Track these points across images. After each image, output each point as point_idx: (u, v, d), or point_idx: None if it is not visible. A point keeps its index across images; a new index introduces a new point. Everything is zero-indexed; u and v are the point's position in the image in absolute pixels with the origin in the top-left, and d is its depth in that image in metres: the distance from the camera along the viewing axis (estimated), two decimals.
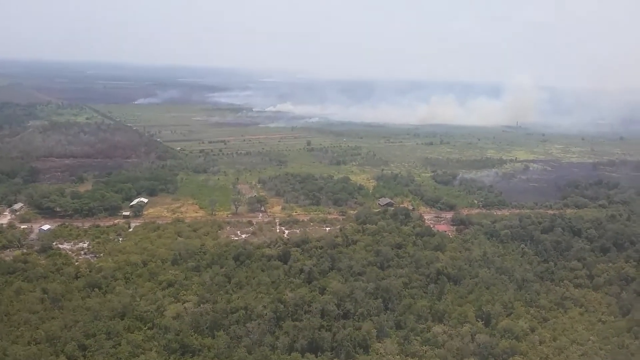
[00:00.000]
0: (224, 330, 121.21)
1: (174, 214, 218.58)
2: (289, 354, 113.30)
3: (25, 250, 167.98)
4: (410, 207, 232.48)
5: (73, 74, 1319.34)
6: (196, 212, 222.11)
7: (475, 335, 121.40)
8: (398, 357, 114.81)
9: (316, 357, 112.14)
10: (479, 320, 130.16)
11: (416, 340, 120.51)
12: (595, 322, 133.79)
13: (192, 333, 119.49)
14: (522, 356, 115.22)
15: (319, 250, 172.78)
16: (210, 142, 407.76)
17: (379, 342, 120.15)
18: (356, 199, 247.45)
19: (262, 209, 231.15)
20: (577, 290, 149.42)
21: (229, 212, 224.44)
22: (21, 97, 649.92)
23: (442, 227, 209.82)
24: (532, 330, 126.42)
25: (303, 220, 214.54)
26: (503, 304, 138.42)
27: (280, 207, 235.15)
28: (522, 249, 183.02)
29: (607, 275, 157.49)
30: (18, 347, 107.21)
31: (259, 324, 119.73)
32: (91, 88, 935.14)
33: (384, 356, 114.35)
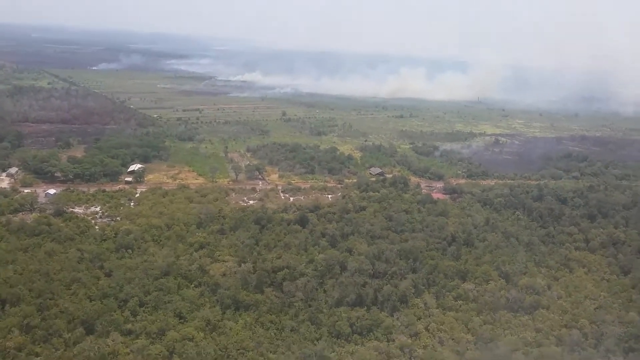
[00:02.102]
0: (272, 287, 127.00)
1: (174, 180, 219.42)
2: (335, 309, 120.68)
3: (35, 214, 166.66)
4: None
5: (17, 37, 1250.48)
6: (196, 179, 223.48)
7: (500, 291, 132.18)
8: (437, 310, 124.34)
9: (367, 311, 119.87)
10: (501, 278, 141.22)
11: (450, 295, 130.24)
12: (599, 280, 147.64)
13: (241, 290, 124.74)
14: (545, 309, 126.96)
15: (333, 215, 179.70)
16: (184, 111, 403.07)
17: (417, 297, 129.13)
18: (349, 168, 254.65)
19: (260, 177, 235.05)
20: (577, 252, 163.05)
21: (228, 180, 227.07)
22: None
23: (437, 195, 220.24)
24: (549, 287, 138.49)
25: (304, 188, 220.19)
26: (516, 263, 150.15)
27: (277, 175, 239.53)
28: (517, 215, 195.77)
29: (600, 239, 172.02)
30: (86, 304, 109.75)
31: (308, 280, 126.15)
32: (42, 52, 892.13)
33: (426, 310, 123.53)
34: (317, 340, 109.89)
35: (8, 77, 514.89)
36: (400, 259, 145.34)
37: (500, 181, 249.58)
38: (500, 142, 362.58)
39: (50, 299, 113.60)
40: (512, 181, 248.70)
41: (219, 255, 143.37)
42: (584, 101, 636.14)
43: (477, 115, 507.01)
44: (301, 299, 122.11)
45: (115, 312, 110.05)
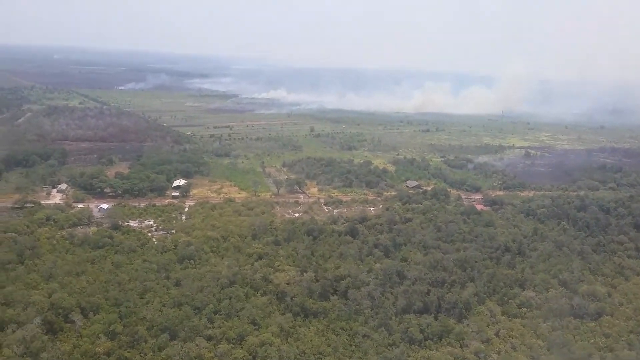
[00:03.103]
0: (336, 295, 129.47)
1: (218, 194, 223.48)
2: (402, 316, 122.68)
3: (96, 228, 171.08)
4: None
5: (40, 59, 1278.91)
6: (239, 193, 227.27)
7: (562, 298, 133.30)
8: (503, 317, 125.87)
9: (435, 318, 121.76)
10: (559, 286, 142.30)
11: (513, 303, 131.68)
12: None
13: (307, 298, 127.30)
14: (610, 316, 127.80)
15: (381, 226, 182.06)
16: (215, 128, 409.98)
17: (479, 305, 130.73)
18: (385, 181, 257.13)
19: (301, 190, 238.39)
20: (630, 260, 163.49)
21: (270, 193, 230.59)
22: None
23: (478, 207, 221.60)
24: (609, 294, 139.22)
25: (346, 201, 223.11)
26: (572, 271, 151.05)
27: (317, 189, 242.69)
28: (563, 225, 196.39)
29: None
30: (167, 311, 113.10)
31: (373, 288, 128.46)
32: (67, 73, 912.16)
33: (491, 317, 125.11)
34: (390, 346, 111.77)
35: (40, 97, 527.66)
36: (458, 268, 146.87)
37: (538, 192, 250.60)
38: (531, 154, 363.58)
39: (127, 307, 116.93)
40: (549, 192, 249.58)
41: (278, 265, 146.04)
42: (609, 113, 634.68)
43: (503, 128, 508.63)
44: (369, 307, 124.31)
45: (193, 319, 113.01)
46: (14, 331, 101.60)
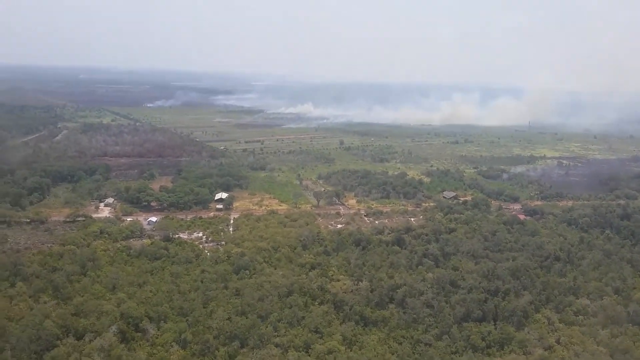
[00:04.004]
0: (393, 304, 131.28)
1: (260, 207, 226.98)
2: (462, 324, 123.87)
3: (148, 240, 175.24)
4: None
5: (67, 79, 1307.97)
6: (279, 205, 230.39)
7: (617, 305, 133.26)
8: (561, 324, 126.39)
9: (494, 326, 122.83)
10: (613, 293, 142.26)
11: (570, 310, 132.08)
12: None
13: (365, 307, 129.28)
14: None
15: (426, 236, 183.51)
16: (246, 142, 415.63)
17: (536, 313, 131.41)
18: (423, 192, 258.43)
19: (339, 202, 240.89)
20: None
21: (309, 205, 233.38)
22: (31, 101, 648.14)
23: (519, 217, 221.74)
24: None
25: (386, 212, 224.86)
26: (624, 279, 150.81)
27: (355, 200, 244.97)
28: (607, 234, 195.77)
29: None
30: (235, 319, 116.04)
31: (432, 297, 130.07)
32: (95, 92, 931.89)
33: (549, 324, 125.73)
34: (453, 353, 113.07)
35: (73, 115, 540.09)
36: (510, 277, 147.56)
37: (577, 202, 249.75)
38: (564, 164, 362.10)
39: (193, 317, 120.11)
40: (588, 202, 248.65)
41: (332, 275, 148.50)
42: (638, 123, 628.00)
43: (532, 139, 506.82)
44: (428, 315, 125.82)
45: (260, 327, 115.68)
46: (91, 340, 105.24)
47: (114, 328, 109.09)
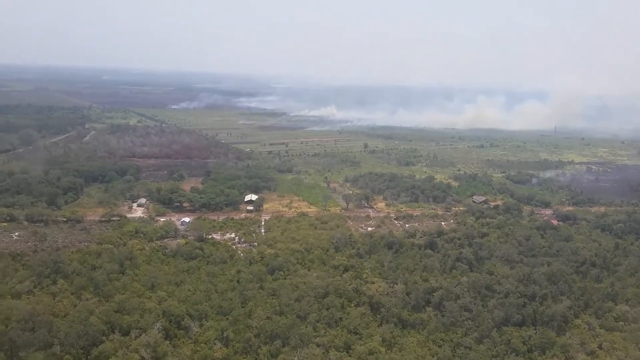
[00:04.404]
0: (430, 307, 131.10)
1: (289, 209, 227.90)
2: (501, 328, 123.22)
3: (182, 240, 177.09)
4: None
5: (89, 80, 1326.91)
6: (309, 208, 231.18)
7: None
8: (601, 330, 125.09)
9: (534, 330, 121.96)
10: None
11: (610, 316, 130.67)
12: None
13: (402, 309, 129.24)
14: None
15: (459, 240, 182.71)
16: (271, 144, 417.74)
17: (575, 318, 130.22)
18: (452, 196, 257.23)
19: (368, 205, 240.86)
20: None
21: (339, 208, 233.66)
22: (58, 101, 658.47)
23: (552, 222, 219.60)
24: None
25: (416, 215, 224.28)
26: None
27: (384, 203, 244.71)
28: None
29: None
30: (276, 319, 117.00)
31: (470, 301, 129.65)
32: (118, 93, 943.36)
33: (590, 330, 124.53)
34: (494, 357, 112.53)
35: (99, 116, 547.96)
36: (547, 282, 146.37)
37: (610, 208, 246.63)
38: (593, 170, 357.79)
39: (233, 316, 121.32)
40: (621, 208, 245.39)
41: (366, 277, 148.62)
42: None
43: (558, 144, 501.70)
44: (467, 318, 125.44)
45: (300, 327, 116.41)
46: (137, 337, 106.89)
47: (158, 325, 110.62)
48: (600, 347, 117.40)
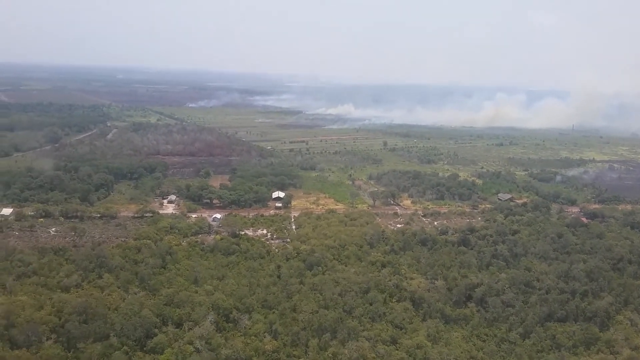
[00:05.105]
0: (472, 303, 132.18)
1: (317, 205, 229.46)
2: (544, 324, 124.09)
3: (217, 236, 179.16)
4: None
5: (105, 79, 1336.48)
6: (335, 205, 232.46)
7: None
8: None
9: (578, 326, 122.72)
10: None
11: None
12: None
13: (444, 305, 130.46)
14: None
15: (491, 237, 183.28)
16: (291, 142, 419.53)
17: (617, 314, 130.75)
18: (477, 194, 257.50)
19: (394, 202, 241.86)
20: None
21: (365, 205, 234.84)
22: (77, 100, 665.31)
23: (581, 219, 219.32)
24: None
25: (444, 213, 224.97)
26: None
27: (409, 201, 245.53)
28: None
29: None
30: (324, 312, 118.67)
31: (513, 297, 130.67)
32: (135, 92, 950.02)
33: (632, 325, 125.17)
34: (539, 352, 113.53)
35: (119, 114, 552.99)
36: (586, 278, 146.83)
37: (636, 206, 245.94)
38: (615, 168, 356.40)
39: (277, 309, 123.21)
40: None
41: (404, 273, 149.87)
42: None
43: (577, 142, 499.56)
44: (511, 314, 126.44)
45: (347, 321, 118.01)
46: (190, 329, 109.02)
47: (210, 317, 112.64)
48: None
